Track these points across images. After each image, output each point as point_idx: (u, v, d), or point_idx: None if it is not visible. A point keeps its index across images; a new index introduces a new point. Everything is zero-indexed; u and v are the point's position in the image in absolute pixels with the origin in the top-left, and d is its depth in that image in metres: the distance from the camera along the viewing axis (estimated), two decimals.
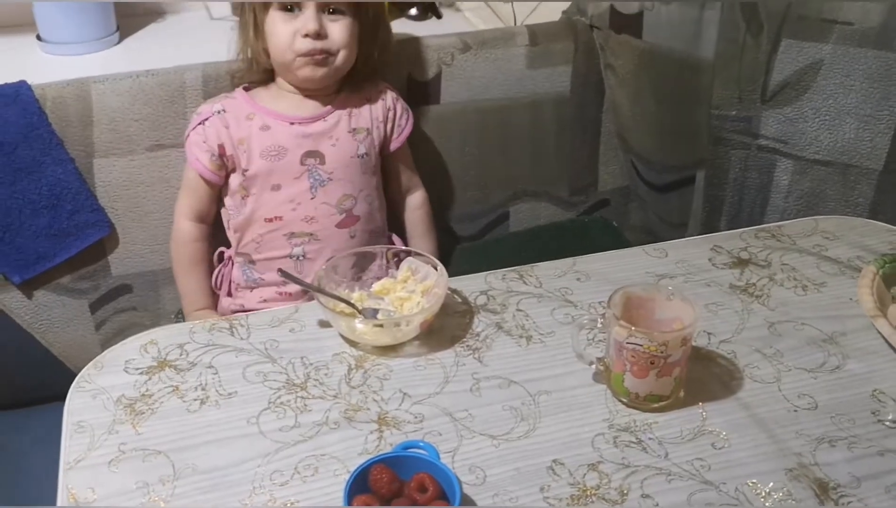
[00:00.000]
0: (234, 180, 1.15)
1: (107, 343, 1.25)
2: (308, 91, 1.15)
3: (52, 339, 1.23)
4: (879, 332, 0.90)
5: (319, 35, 1.07)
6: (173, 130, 1.20)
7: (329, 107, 1.15)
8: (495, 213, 1.43)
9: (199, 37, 1.41)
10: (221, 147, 1.13)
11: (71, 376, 0.88)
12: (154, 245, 1.25)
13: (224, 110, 1.13)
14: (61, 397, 0.86)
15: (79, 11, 1.31)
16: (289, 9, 1.08)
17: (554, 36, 1.37)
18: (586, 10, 1.37)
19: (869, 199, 1.41)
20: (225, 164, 1.14)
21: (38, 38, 1.34)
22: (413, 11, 1.50)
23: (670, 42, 1.42)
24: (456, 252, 1.40)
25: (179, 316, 1.26)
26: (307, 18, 1.07)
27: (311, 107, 1.15)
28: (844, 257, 1.06)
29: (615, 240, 1.43)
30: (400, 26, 1.48)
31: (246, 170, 1.13)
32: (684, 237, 1.52)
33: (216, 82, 1.20)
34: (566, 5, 1.41)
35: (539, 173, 1.43)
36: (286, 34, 1.08)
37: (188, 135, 1.15)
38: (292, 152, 1.12)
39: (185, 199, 1.18)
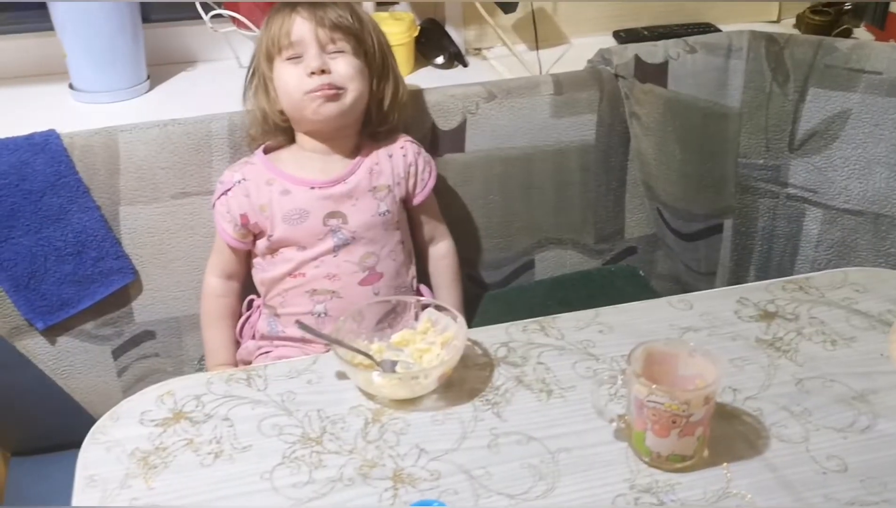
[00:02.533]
0: (261, 244, 1.16)
1: (129, 389, 1.25)
2: (329, 142, 1.15)
3: (74, 385, 1.23)
4: None
5: (324, 71, 1.09)
6: (198, 178, 1.21)
7: (349, 169, 1.16)
8: (520, 261, 1.42)
9: (228, 84, 1.42)
10: (244, 216, 1.14)
11: (92, 422, 0.88)
12: (177, 291, 1.25)
13: (245, 179, 1.14)
14: (82, 443, 0.85)
15: (110, 61, 1.33)
16: (293, 57, 1.11)
17: (579, 85, 1.37)
18: (611, 59, 1.38)
19: None
20: (250, 231, 1.16)
21: (71, 86, 1.37)
22: (439, 60, 1.52)
23: (696, 91, 1.41)
24: (482, 299, 1.39)
25: (202, 363, 1.26)
26: (310, 58, 1.10)
27: (333, 169, 1.15)
28: (875, 311, 1.03)
29: (642, 289, 1.40)
30: (426, 74, 1.50)
31: (271, 236, 1.14)
32: (713, 286, 1.50)
33: (242, 131, 1.21)
34: (591, 55, 1.42)
35: (564, 221, 1.42)
36: (294, 78, 1.11)
37: (214, 204, 1.17)
38: (314, 215, 1.13)
39: (214, 258, 1.20)
